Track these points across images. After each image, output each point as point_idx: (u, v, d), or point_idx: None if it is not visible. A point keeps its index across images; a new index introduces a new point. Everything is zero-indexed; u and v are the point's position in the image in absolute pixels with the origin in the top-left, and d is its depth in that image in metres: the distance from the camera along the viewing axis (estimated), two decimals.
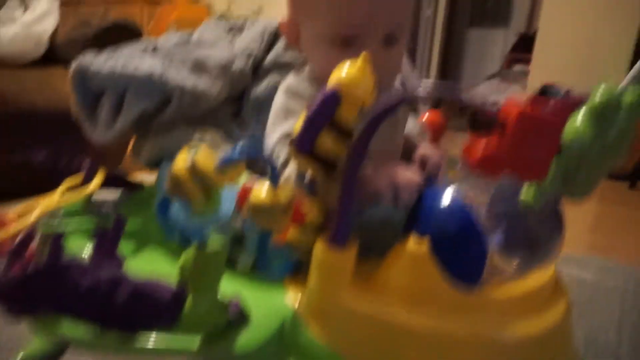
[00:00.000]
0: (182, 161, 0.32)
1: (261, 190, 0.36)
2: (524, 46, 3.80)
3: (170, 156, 0.57)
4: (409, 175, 0.46)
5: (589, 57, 2.78)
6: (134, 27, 1.88)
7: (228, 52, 0.66)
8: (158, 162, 0.58)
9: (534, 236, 0.41)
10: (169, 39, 0.65)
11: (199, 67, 0.62)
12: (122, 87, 0.57)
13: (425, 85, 0.77)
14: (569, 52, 2.88)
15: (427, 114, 0.99)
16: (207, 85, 0.60)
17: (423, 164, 0.57)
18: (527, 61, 3.47)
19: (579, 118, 0.32)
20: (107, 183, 0.68)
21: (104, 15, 1.81)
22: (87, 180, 0.57)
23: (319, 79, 0.53)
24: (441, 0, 4.77)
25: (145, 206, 0.61)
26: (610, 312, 1.15)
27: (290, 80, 0.56)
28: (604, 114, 0.31)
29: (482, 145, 0.30)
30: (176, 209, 0.50)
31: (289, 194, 0.37)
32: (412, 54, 5.02)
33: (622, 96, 0.31)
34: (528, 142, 0.29)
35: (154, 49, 0.62)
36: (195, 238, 0.38)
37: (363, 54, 0.39)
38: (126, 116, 0.58)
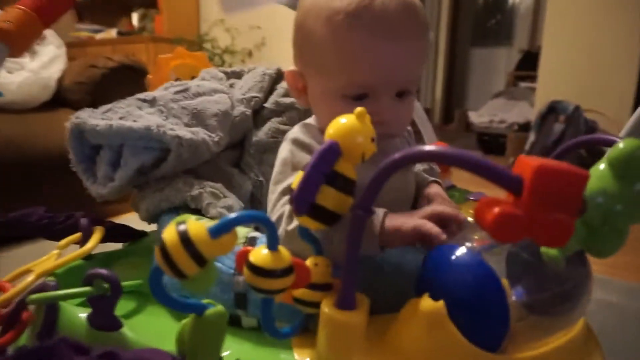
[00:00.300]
0: (171, 232, 0.30)
1: (259, 253, 0.34)
2: (528, 63, 3.80)
3: (169, 210, 0.56)
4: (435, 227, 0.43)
5: (595, 71, 2.76)
6: (140, 67, 1.91)
7: (227, 99, 0.65)
8: (157, 217, 0.57)
9: (559, 286, 0.38)
10: (167, 90, 0.64)
11: (197, 117, 0.61)
12: (119, 142, 0.56)
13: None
14: (574, 67, 2.87)
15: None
16: (205, 135, 0.59)
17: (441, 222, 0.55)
18: (532, 78, 3.46)
19: (601, 170, 0.29)
20: (109, 236, 0.66)
21: (110, 56, 1.83)
22: (85, 239, 0.56)
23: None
24: (442, 23, 4.81)
25: (148, 256, 0.59)
26: (636, 335, 1.10)
27: (296, 131, 0.54)
28: (628, 167, 0.29)
29: (496, 206, 0.27)
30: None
31: (289, 255, 0.35)
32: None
33: None
34: (549, 200, 0.26)
35: (152, 100, 0.61)
36: (191, 310, 0.36)
37: (359, 108, 0.37)
38: (124, 171, 0.56)
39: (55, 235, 0.63)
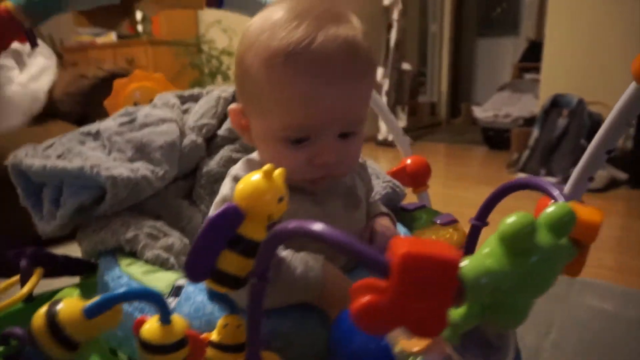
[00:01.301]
0: (40, 316, 0.28)
1: (150, 326, 0.32)
2: (533, 54, 3.70)
3: (106, 252, 0.55)
4: None
5: (599, 62, 2.68)
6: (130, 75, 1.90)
7: (175, 129, 0.64)
8: (96, 258, 0.56)
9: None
10: (114, 120, 0.63)
11: (141, 150, 0.60)
12: (57, 181, 0.55)
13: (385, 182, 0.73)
14: (578, 59, 2.78)
15: (408, 160, 0.95)
16: (147, 171, 0.57)
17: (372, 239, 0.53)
18: (537, 70, 3.37)
19: (491, 247, 0.27)
20: (62, 271, 0.66)
21: (100, 66, 1.83)
22: (25, 280, 0.55)
23: None
24: (446, 15, 4.72)
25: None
26: (630, 345, 1.06)
27: (238, 167, 0.52)
28: (518, 243, 0.26)
29: (365, 293, 0.25)
30: None
31: (182, 327, 0.33)
32: (422, 73, 4.98)
33: (535, 224, 0.26)
34: (418, 288, 0.24)
35: (96, 134, 0.60)
36: None
37: (267, 166, 0.35)
38: (64, 210, 0.56)
39: (5, 273, 0.62)
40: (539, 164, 2.56)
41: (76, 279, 0.68)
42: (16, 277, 0.58)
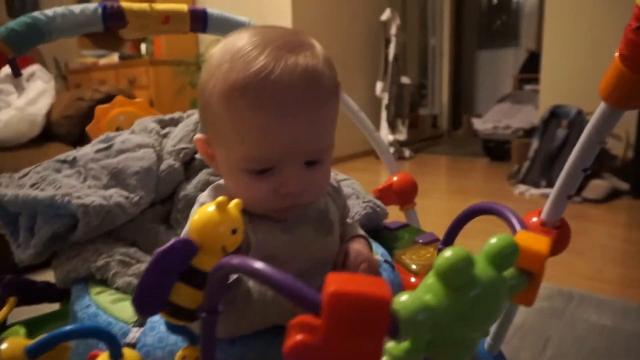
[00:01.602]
0: None
1: None
2: (533, 64, 3.71)
3: (78, 280, 0.55)
4: None
5: (597, 73, 2.66)
6: (127, 95, 1.92)
7: (152, 155, 0.64)
8: (70, 284, 0.56)
9: None
10: (92, 147, 0.64)
11: (116, 177, 0.60)
12: (31, 210, 0.55)
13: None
14: (576, 69, 2.78)
15: (395, 177, 0.94)
16: (121, 197, 0.58)
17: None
18: (537, 80, 3.37)
19: (428, 283, 0.26)
20: (40, 298, 0.66)
21: (97, 88, 1.86)
22: None
23: (236, 198, 0.50)
24: (445, 28, 4.75)
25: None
26: None
27: (206, 194, 0.51)
28: (455, 277, 0.26)
29: (298, 332, 0.25)
30: None
31: None
32: (423, 86, 5.00)
33: (472, 259, 0.25)
34: (349, 326, 0.24)
35: (73, 161, 0.61)
36: None
37: (220, 198, 0.35)
38: (38, 238, 0.56)
39: None
40: (540, 175, 2.54)
41: (56, 306, 0.68)
42: None
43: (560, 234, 0.65)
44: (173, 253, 0.33)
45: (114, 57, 3.63)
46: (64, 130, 1.79)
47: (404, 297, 0.26)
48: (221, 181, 0.54)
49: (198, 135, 0.52)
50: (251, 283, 0.44)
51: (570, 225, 0.65)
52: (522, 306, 0.34)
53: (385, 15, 3.58)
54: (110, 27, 0.80)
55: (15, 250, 0.61)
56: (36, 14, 0.72)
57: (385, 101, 3.65)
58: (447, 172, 3.46)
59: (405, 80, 3.74)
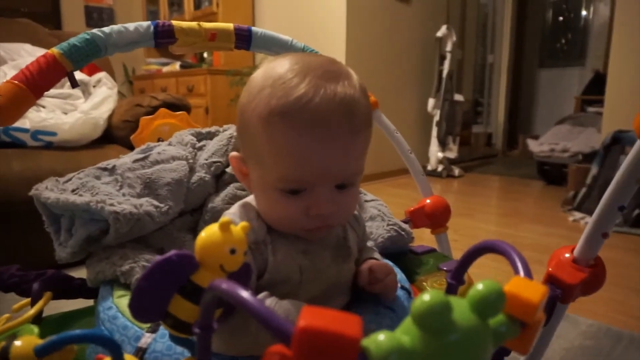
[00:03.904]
0: None
1: None
2: (598, 86, 3.51)
3: (105, 282, 0.58)
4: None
5: None
6: (183, 103, 2.02)
7: (184, 167, 0.68)
8: (99, 284, 0.59)
9: None
10: (130, 157, 0.68)
11: (149, 186, 0.64)
12: (70, 213, 0.60)
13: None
14: None
15: (428, 200, 0.93)
16: (151, 207, 0.61)
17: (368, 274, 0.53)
18: (601, 102, 3.19)
19: (405, 324, 0.26)
20: (75, 294, 0.71)
21: (154, 95, 1.97)
22: (35, 303, 0.60)
23: (264, 217, 0.51)
24: (505, 45, 4.60)
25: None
26: None
27: (233, 212, 0.53)
28: (430, 321, 0.25)
29: (274, 358, 0.25)
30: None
31: None
32: (479, 103, 4.87)
33: (449, 304, 0.25)
34: None
35: (112, 169, 0.65)
36: None
37: (223, 218, 0.37)
38: (74, 239, 0.60)
39: (26, 292, 0.68)
40: (596, 204, 2.38)
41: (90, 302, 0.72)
42: (28, 299, 0.63)
43: (593, 274, 0.62)
44: (169, 265, 0.35)
45: (176, 66, 3.82)
46: (123, 133, 1.91)
47: (380, 336, 0.26)
48: (249, 198, 0.55)
49: (234, 153, 0.54)
50: None
51: (626, 259, 0.61)
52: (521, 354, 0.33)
53: (441, 32, 3.53)
54: (160, 44, 0.86)
55: (56, 248, 0.66)
56: (95, 30, 0.78)
57: (436, 118, 3.59)
58: (497, 194, 3.33)
59: (458, 97, 3.66)
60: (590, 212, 2.40)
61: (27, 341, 0.32)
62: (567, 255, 0.63)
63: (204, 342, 0.35)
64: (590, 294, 0.62)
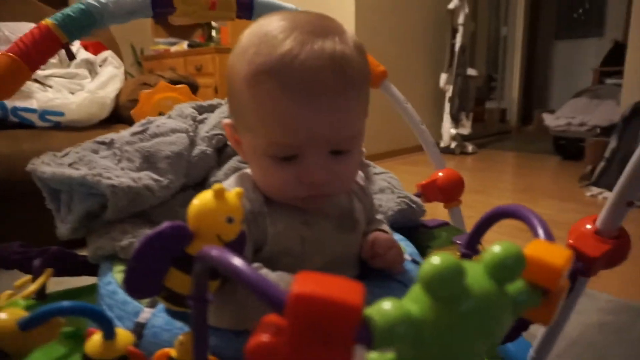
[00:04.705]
0: None
1: (93, 341, 0.32)
2: (617, 57, 3.38)
3: (105, 258, 0.57)
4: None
5: None
6: (190, 82, 1.99)
7: (185, 140, 0.65)
8: (99, 260, 0.58)
9: None
10: (129, 130, 0.66)
11: (148, 160, 0.62)
12: (68, 187, 0.58)
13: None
14: None
15: (440, 173, 0.89)
16: (151, 180, 0.59)
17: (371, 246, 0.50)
18: (620, 74, 3.07)
19: (414, 293, 0.24)
20: (77, 271, 0.69)
21: (161, 74, 1.94)
22: (35, 279, 0.58)
23: (260, 186, 0.49)
24: (519, 17, 4.45)
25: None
26: None
27: (230, 183, 0.51)
28: (440, 288, 0.23)
29: (264, 331, 0.23)
30: None
31: (125, 344, 0.33)
32: (492, 78, 4.75)
33: (463, 268, 0.22)
34: (316, 332, 0.22)
35: (110, 143, 0.63)
36: None
37: (216, 185, 0.34)
38: (73, 215, 0.59)
39: (28, 269, 0.67)
40: (616, 178, 2.29)
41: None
42: (29, 276, 0.62)
43: (617, 245, 0.58)
44: (162, 237, 0.32)
45: (184, 45, 3.78)
46: (129, 113, 1.89)
47: (385, 305, 0.23)
48: (247, 169, 0.53)
49: (226, 120, 0.51)
50: None
51: None
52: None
53: (453, 3, 3.42)
54: (159, 13, 0.82)
55: (57, 224, 0.65)
56: (90, 0, 0.75)
57: (449, 94, 3.51)
58: (512, 170, 3.27)
59: (471, 72, 3.57)
60: (609, 187, 2.34)
61: (11, 313, 0.30)
62: (588, 226, 0.59)
63: (199, 314, 0.32)
64: (613, 267, 0.59)
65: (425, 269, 0.23)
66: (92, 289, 0.69)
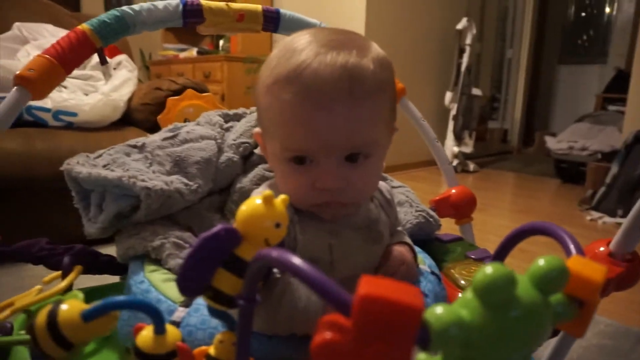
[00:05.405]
0: (43, 314, 0.31)
1: (144, 335, 0.34)
2: (620, 84, 3.43)
3: (135, 257, 0.58)
4: None
5: None
6: (202, 88, 2.02)
7: (213, 146, 0.67)
8: (129, 260, 0.59)
9: None
10: (159, 135, 0.68)
11: (179, 164, 0.64)
12: (101, 189, 0.60)
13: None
14: None
15: (453, 190, 0.91)
16: (181, 184, 0.61)
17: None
18: (623, 101, 3.12)
19: (466, 298, 0.26)
20: (103, 269, 0.71)
21: (174, 79, 1.97)
22: (65, 276, 0.60)
23: (282, 193, 0.51)
24: (525, 40, 4.52)
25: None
26: None
27: (262, 188, 0.54)
28: (491, 295, 0.25)
29: (329, 329, 0.25)
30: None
31: (174, 340, 0.34)
32: (496, 99, 4.81)
33: (514, 278, 0.24)
34: (378, 332, 0.23)
35: (142, 147, 0.65)
36: None
37: (266, 192, 0.36)
38: (105, 215, 0.60)
39: (55, 265, 0.69)
40: (616, 203, 2.36)
41: (116, 278, 0.73)
42: (59, 272, 0.63)
43: (629, 269, 0.60)
44: (217, 239, 0.34)
45: (193, 52, 3.82)
46: (142, 116, 1.92)
47: (439, 309, 0.25)
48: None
49: (256, 129, 0.54)
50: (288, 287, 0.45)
51: None
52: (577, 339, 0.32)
53: (462, 24, 3.48)
54: (188, 23, 0.85)
55: (85, 224, 0.66)
56: (125, 7, 0.77)
57: (453, 112, 3.55)
58: (512, 190, 3.29)
59: (476, 91, 3.62)
60: (608, 212, 2.36)
61: (73, 305, 0.32)
62: (602, 248, 0.61)
63: (247, 313, 0.34)
64: (624, 290, 0.61)
65: (480, 278, 0.25)
66: (113, 288, 0.70)
